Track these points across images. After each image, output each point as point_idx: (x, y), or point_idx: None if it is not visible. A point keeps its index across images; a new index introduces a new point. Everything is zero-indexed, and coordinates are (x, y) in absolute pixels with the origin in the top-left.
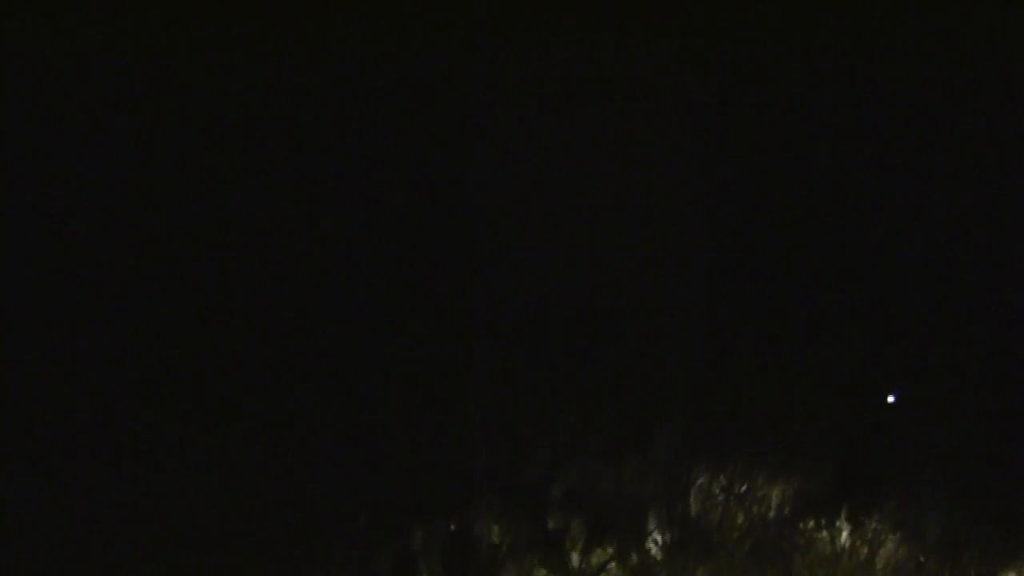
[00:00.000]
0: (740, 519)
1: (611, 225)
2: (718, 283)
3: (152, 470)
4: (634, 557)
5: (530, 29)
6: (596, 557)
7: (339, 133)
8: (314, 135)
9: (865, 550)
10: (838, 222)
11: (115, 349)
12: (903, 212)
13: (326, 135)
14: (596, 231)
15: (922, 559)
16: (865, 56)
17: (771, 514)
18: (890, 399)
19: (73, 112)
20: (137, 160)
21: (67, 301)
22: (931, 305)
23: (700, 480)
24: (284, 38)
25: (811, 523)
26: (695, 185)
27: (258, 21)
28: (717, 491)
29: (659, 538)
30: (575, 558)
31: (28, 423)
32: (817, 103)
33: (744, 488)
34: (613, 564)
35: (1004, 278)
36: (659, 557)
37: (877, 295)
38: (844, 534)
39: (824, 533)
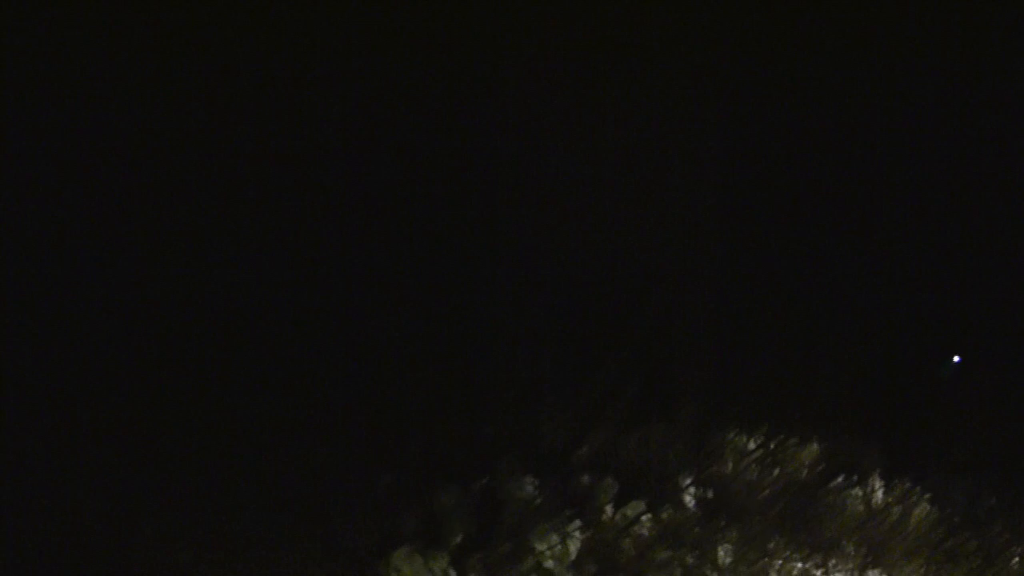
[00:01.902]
0: (773, 477)
1: (634, 192)
2: (748, 244)
3: (176, 430)
4: (668, 511)
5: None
6: (630, 509)
7: (364, 97)
8: (337, 105)
9: (898, 510)
10: (872, 180)
11: (149, 310)
12: (938, 169)
13: (351, 103)
14: (619, 199)
15: (956, 519)
16: (887, 32)
17: (804, 473)
18: (955, 359)
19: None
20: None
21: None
22: (976, 268)
23: (732, 439)
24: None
25: (843, 481)
26: (721, 149)
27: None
28: (752, 448)
29: (693, 491)
30: (608, 511)
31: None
32: (840, 70)
33: (775, 446)
34: (647, 517)
35: None
36: (694, 511)
37: (913, 257)
38: (878, 494)
39: (857, 490)
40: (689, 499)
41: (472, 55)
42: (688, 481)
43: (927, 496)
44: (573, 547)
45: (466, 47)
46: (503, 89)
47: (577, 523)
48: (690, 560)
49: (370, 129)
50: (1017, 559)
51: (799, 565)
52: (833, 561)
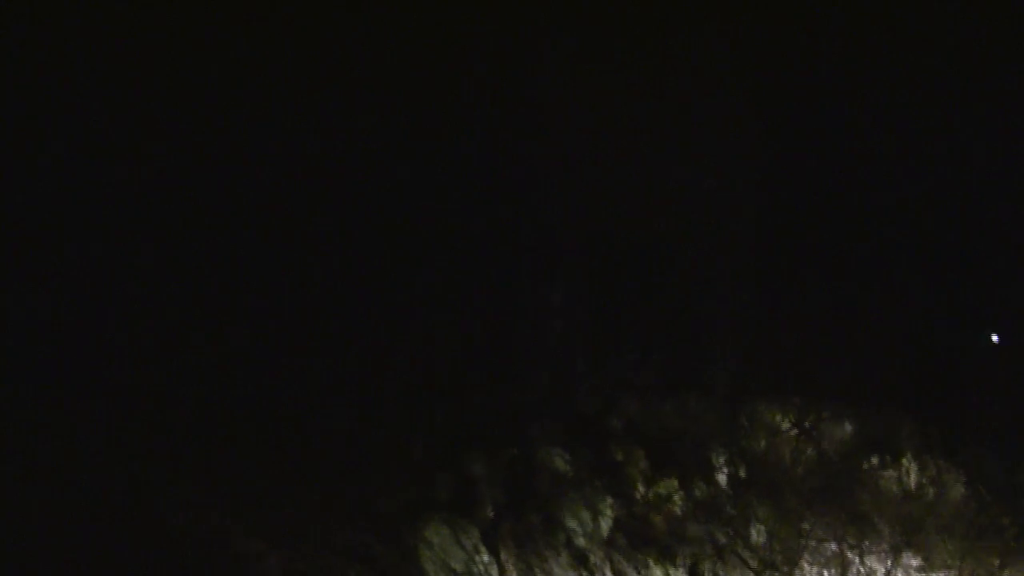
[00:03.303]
0: (806, 455)
1: (667, 163)
2: (782, 217)
3: (210, 395)
4: (700, 488)
5: None
6: (663, 487)
7: (407, 73)
8: (385, 83)
9: (932, 490)
10: (903, 152)
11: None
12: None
13: (399, 80)
14: (653, 169)
15: (988, 498)
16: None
17: (836, 452)
18: (994, 338)
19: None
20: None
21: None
22: (1010, 249)
23: (764, 416)
24: None
25: (876, 461)
26: (754, 116)
27: None
28: (785, 427)
29: (726, 470)
30: (641, 488)
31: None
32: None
33: (809, 424)
34: (678, 494)
35: None
36: (727, 488)
37: (948, 237)
38: (912, 473)
39: (891, 471)
40: (722, 477)
41: (515, 38)
42: (721, 459)
43: (961, 474)
44: (605, 525)
45: (513, 31)
46: (536, 69)
47: (609, 500)
48: (722, 539)
49: (411, 105)
50: None
51: (832, 546)
52: (867, 542)
